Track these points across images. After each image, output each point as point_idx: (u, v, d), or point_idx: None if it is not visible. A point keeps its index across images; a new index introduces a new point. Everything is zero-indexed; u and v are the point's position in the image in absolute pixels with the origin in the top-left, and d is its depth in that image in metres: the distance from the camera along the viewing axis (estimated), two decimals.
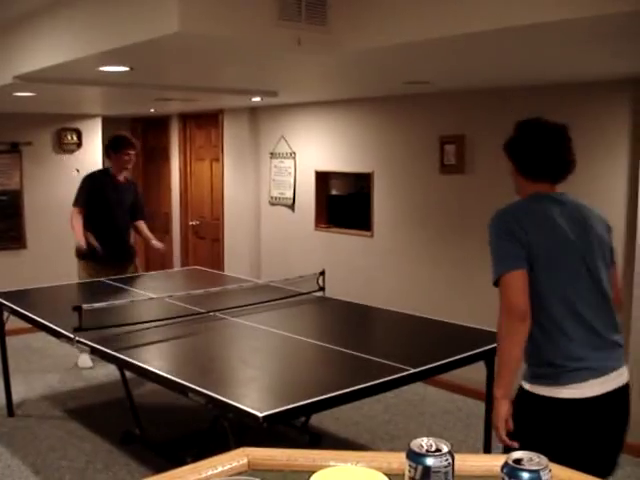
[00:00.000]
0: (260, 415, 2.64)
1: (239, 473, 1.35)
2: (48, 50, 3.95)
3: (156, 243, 6.18)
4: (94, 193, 5.99)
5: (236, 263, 7.52)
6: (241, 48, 3.31)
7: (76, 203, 6.01)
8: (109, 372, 5.78)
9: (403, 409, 5.29)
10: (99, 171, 6.30)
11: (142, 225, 6.25)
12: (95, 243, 5.86)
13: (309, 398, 2.90)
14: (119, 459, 4.44)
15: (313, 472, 1.31)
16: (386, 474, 1.32)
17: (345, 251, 6.51)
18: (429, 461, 1.15)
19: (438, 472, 1.15)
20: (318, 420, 4.79)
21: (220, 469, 1.32)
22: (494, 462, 1.38)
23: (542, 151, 2.78)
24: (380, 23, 3.22)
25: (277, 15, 3.10)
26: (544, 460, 1.14)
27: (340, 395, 2.96)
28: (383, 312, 4.64)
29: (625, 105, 4.56)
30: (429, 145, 5.72)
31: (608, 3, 2.45)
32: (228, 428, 2.85)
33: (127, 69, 4.03)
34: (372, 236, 6.27)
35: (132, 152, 6.03)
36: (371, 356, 3.50)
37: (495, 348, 3.48)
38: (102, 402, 5.48)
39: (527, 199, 2.78)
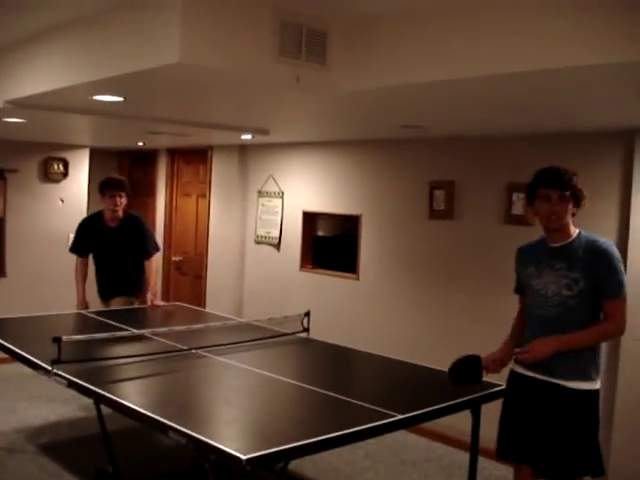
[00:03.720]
0: (243, 458, 2.55)
1: None
2: (42, 76, 3.92)
3: (155, 302, 5.89)
4: (86, 239, 5.92)
5: (218, 301, 7.43)
6: (240, 81, 3.29)
7: (71, 249, 6.01)
8: (84, 406, 5.64)
9: (384, 456, 5.19)
10: (92, 215, 6.08)
11: (148, 264, 5.92)
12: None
13: (293, 442, 2.81)
14: None
15: None
16: None
17: (330, 293, 6.44)
18: None
19: None
20: (296, 465, 4.67)
21: None
22: None
23: None
24: (379, 65, 3.23)
25: (278, 51, 3.10)
26: None
27: (326, 440, 2.87)
28: (368, 356, 4.56)
29: (616, 156, 4.60)
30: (418, 190, 5.71)
31: (604, 53, 2.47)
32: (209, 470, 2.75)
33: (121, 99, 4.00)
34: (358, 279, 6.22)
35: (117, 192, 5.75)
36: (356, 400, 3.42)
37: (480, 397, 3.57)
38: (76, 437, 5.33)
39: None
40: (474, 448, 3.81)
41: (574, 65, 2.57)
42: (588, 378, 3.34)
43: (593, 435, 3.36)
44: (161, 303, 6.01)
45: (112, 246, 5.88)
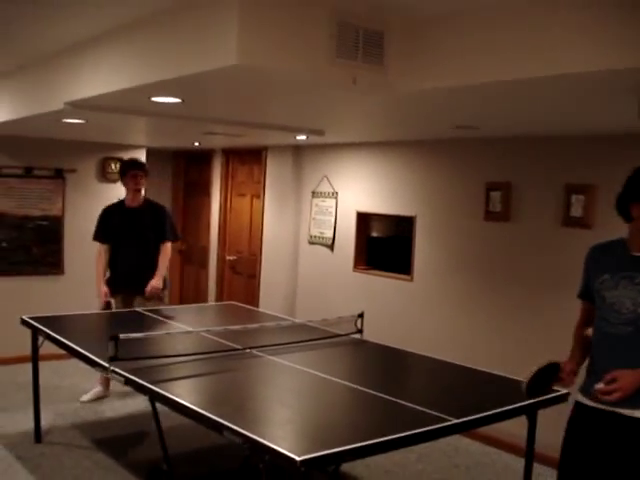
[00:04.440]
0: (298, 459, 2.56)
1: None
2: (101, 78, 3.98)
3: (153, 282, 5.87)
4: (107, 224, 6.09)
5: (271, 300, 7.46)
6: (297, 84, 3.30)
7: (93, 236, 6.17)
8: (139, 403, 5.72)
9: (436, 460, 5.15)
10: (115, 202, 6.28)
11: (163, 249, 6.01)
12: (112, 303, 5.92)
13: (347, 444, 2.80)
14: None
15: None
16: None
17: (384, 294, 6.42)
18: None
19: None
20: (349, 466, 4.67)
21: None
22: None
23: None
24: (436, 65, 3.20)
25: (334, 53, 3.09)
26: None
27: (380, 443, 2.85)
28: (422, 358, 4.52)
29: None
30: (474, 191, 5.65)
31: None
32: (263, 470, 2.76)
33: (179, 101, 4.04)
34: (412, 280, 6.18)
35: (138, 172, 6.01)
36: (411, 403, 3.39)
37: (537, 402, 3.47)
38: (130, 434, 5.41)
39: None
40: (529, 454, 3.75)
41: (629, 67, 2.51)
42: None
43: None
44: (158, 285, 5.91)
45: (132, 227, 6.01)
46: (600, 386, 2.84)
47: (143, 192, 6.11)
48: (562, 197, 5.04)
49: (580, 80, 2.84)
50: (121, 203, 6.18)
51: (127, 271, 6.00)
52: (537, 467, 3.90)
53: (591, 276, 3.14)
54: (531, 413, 3.63)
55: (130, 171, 6.01)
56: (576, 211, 4.93)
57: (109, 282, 6.02)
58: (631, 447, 2.89)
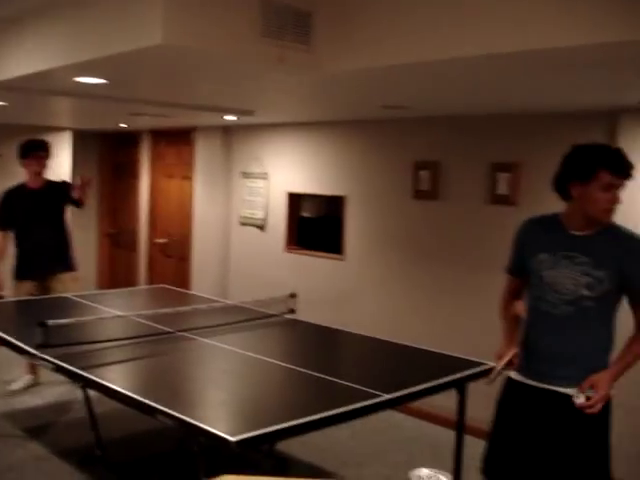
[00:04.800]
0: (233, 440, 2.57)
1: None
2: (23, 59, 3.88)
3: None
4: (10, 209, 5.81)
5: (204, 283, 7.43)
6: (223, 63, 3.28)
7: None
8: (70, 390, 5.64)
9: (370, 435, 5.22)
10: (15, 185, 5.96)
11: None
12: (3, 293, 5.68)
13: (281, 423, 2.82)
14: None
15: None
16: None
17: (315, 274, 6.45)
18: None
19: None
20: (284, 445, 4.69)
21: None
22: None
23: None
24: (362, 46, 3.21)
25: (260, 32, 3.08)
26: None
27: (313, 421, 2.88)
28: (354, 336, 4.58)
29: (599, 137, 4.57)
30: (403, 170, 5.71)
31: (586, 34, 2.46)
32: (197, 452, 2.76)
33: (104, 81, 3.96)
34: (343, 260, 6.23)
35: (42, 153, 5.78)
36: (343, 381, 3.44)
37: (467, 376, 3.56)
38: (63, 421, 5.33)
39: None
40: (460, 427, 3.84)
41: (557, 46, 2.56)
42: None
43: (605, 452, 2.95)
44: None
45: (40, 209, 5.79)
46: (581, 401, 2.85)
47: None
48: (488, 175, 5.14)
49: (506, 60, 2.88)
50: (22, 186, 5.88)
51: (40, 255, 5.78)
52: (468, 439, 3.98)
53: (525, 252, 3.09)
54: (461, 386, 3.71)
55: (33, 152, 5.75)
56: (502, 189, 5.04)
57: (18, 270, 5.78)
58: (561, 422, 2.95)
